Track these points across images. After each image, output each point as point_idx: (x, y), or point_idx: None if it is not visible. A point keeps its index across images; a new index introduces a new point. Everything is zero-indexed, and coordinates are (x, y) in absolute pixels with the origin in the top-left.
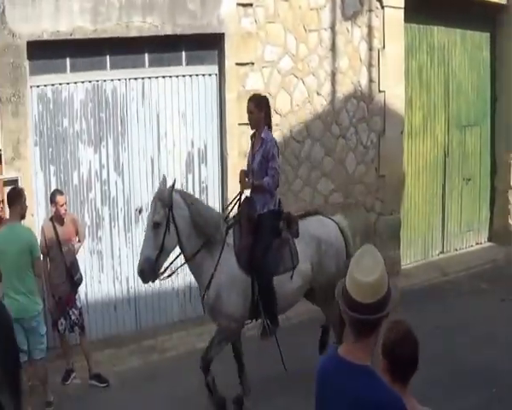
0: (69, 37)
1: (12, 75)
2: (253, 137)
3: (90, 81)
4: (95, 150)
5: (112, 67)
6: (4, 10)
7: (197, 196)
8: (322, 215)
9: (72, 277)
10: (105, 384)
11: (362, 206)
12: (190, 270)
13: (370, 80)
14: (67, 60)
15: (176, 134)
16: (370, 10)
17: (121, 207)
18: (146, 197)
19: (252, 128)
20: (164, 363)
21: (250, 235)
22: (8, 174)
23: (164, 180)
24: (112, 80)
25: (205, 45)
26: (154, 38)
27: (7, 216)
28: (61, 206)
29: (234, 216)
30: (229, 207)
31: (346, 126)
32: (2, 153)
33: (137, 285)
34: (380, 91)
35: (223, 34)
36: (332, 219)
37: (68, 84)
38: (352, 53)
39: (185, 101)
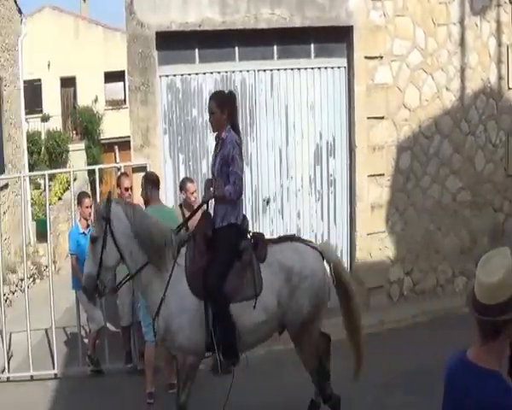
0: (198, 28)
1: (141, 65)
2: (216, 138)
3: (218, 72)
4: None
5: (241, 59)
6: (132, 1)
7: (325, 188)
8: (304, 242)
9: None
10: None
11: (490, 205)
12: (137, 289)
13: (499, 77)
14: (196, 51)
15: (304, 126)
16: (499, 5)
17: (249, 197)
18: (273, 188)
19: (213, 131)
20: (288, 354)
21: (205, 254)
22: (138, 161)
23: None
24: (240, 71)
25: (333, 38)
26: (282, 30)
27: (134, 201)
28: (192, 193)
29: (190, 232)
30: (193, 220)
31: (475, 123)
32: (132, 140)
33: None
34: (509, 89)
35: (351, 27)
36: (314, 248)
37: (197, 74)
38: (481, 48)
39: (314, 93)
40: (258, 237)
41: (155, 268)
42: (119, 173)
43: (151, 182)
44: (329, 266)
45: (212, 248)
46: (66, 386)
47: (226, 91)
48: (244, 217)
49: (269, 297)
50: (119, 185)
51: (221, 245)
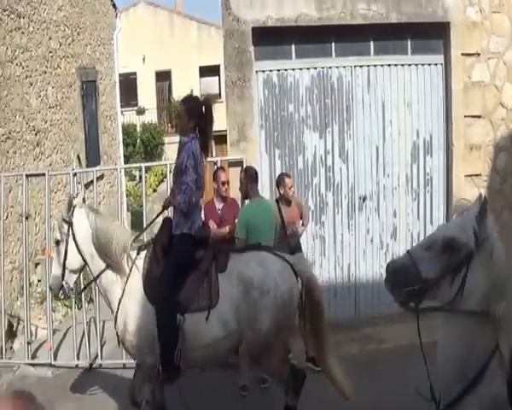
0: (294, 23)
1: (237, 60)
2: (179, 143)
3: (315, 68)
4: (320, 136)
5: (337, 55)
6: None
7: (421, 187)
8: (272, 252)
9: None
10: (320, 369)
11: None
12: (101, 293)
13: None
14: (292, 46)
15: (401, 123)
16: None
17: (345, 193)
18: (370, 185)
19: (179, 133)
20: (381, 353)
21: (160, 262)
22: (234, 156)
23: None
24: (337, 67)
25: (430, 34)
26: (379, 25)
27: (231, 195)
28: (290, 188)
29: (150, 239)
30: (156, 226)
31: None
32: (228, 135)
33: (359, 273)
34: None
35: (448, 23)
36: (284, 258)
37: (293, 70)
38: None
39: (411, 90)
40: (221, 246)
41: (114, 272)
42: (215, 167)
43: (250, 176)
44: (300, 280)
45: (167, 256)
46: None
47: (202, 98)
48: (203, 226)
49: (226, 311)
50: (215, 179)
51: (172, 254)
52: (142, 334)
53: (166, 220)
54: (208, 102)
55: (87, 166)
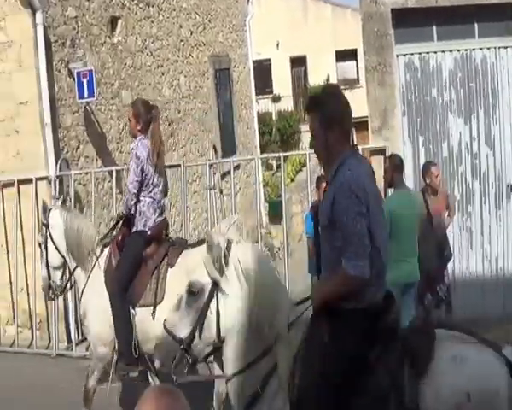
0: (435, 4)
1: (377, 44)
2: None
3: (458, 50)
4: (465, 122)
5: (480, 35)
6: None
7: None
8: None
9: (442, 252)
10: None
11: None
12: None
13: None
14: (434, 28)
15: None
16: None
17: (492, 182)
18: None
19: (131, 136)
20: None
21: (116, 257)
22: (376, 143)
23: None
24: (481, 49)
25: None
26: None
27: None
28: (436, 177)
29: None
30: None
31: None
32: (370, 122)
33: (508, 267)
34: None
35: None
36: None
37: (436, 53)
38: None
39: None
40: (177, 241)
41: (82, 266)
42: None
43: (395, 164)
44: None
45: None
46: None
47: (152, 103)
48: (163, 221)
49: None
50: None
51: (124, 250)
52: (100, 321)
53: (128, 218)
54: (157, 109)
55: (222, 156)
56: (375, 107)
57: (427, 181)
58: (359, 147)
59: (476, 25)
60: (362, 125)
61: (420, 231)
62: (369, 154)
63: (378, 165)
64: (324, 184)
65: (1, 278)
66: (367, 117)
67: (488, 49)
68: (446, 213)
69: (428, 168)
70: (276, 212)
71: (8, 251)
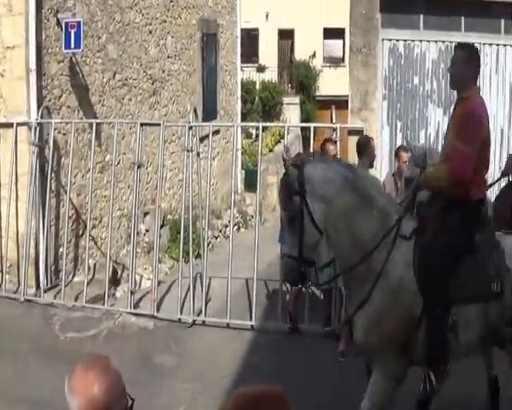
0: None
1: (364, 26)
2: None
3: (443, 41)
4: (444, 112)
5: (466, 29)
6: None
7: None
8: None
9: None
10: None
11: None
12: None
13: None
14: (421, 17)
15: None
16: None
17: None
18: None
19: None
20: None
21: None
22: (354, 124)
23: None
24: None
25: None
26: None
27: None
28: (405, 162)
29: None
30: None
31: None
32: (350, 102)
33: None
34: None
35: None
36: None
37: (421, 41)
38: None
39: None
40: None
41: None
42: (334, 134)
43: (357, 146)
44: None
45: None
46: (261, 339)
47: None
48: None
49: None
50: (322, 151)
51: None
52: None
53: None
54: None
55: (203, 119)
56: (357, 88)
57: (397, 165)
58: (337, 125)
59: (463, 19)
60: (343, 103)
61: None
62: (347, 133)
63: (354, 145)
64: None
65: None
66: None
67: (473, 44)
68: None
69: (399, 152)
70: (251, 180)
71: None
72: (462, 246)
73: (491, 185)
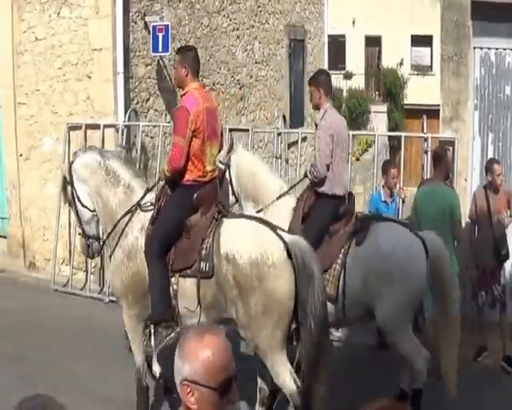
0: None
1: (455, 34)
2: None
3: None
4: None
5: None
6: None
7: None
8: None
9: (500, 251)
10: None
11: None
12: None
13: None
14: None
15: None
16: None
17: None
18: None
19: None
20: None
21: None
22: (445, 134)
23: None
24: None
25: None
26: None
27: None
28: (498, 175)
29: None
30: None
31: None
32: (441, 112)
33: None
34: None
35: None
36: None
37: None
38: None
39: None
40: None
41: None
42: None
43: (433, 157)
44: None
45: None
46: (348, 352)
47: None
48: None
49: None
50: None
51: None
52: None
53: None
54: None
55: (290, 126)
56: (448, 97)
57: (489, 178)
58: (428, 135)
59: None
60: (431, 112)
61: (456, 230)
62: (438, 143)
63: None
64: (393, 170)
65: (62, 217)
66: (438, 105)
67: None
68: (508, 213)
69: (491, 166)
70: None
71: None
72: (177, 224)
73: (292, 187)
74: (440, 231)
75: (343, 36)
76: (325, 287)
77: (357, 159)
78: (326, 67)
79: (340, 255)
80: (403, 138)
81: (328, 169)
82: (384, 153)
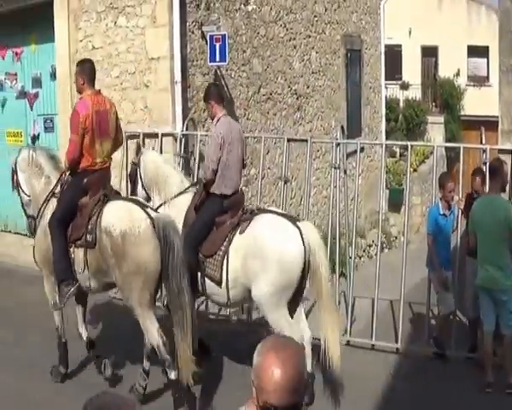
0: None
1: None
2: None
3: None
4: None
5: None
6: None
7: None
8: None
9: None
10: None
11: None
12: None
13: None
14: None
15: None
16: None
17: None
18: None
19: None
20: None
21: None
22: (504, 145)
23: None
24: None
25: None
26: None
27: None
28: None
29: None
30: None
31: None
32: (500, 123)
33: None
34: None
35: None
36: None
37: None
38: None
39: None
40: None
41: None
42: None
43: (489, 169)
44: None
45: None
46: (406, 362)
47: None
48: None
49: None
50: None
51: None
52: None
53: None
54: None
55: (348, 136)
56: (507, 109)
57: None
58: (487, 146)
59: None
60: (489, 124)
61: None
62: (497, 153)
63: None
64: (450, 184)
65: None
66: (496, 117)
67: None
68: None
69: None
70: (394, 199)
71: None
72: (71, 203)
73: (190, 186)
74: (497, 242)
75: (399, 46)
76: (185, 258)
77: (415, 170)
78: (383, 77)
79: (225, 243)
80: (461, 150)
81: (215, 174)
82: (441, 164)
